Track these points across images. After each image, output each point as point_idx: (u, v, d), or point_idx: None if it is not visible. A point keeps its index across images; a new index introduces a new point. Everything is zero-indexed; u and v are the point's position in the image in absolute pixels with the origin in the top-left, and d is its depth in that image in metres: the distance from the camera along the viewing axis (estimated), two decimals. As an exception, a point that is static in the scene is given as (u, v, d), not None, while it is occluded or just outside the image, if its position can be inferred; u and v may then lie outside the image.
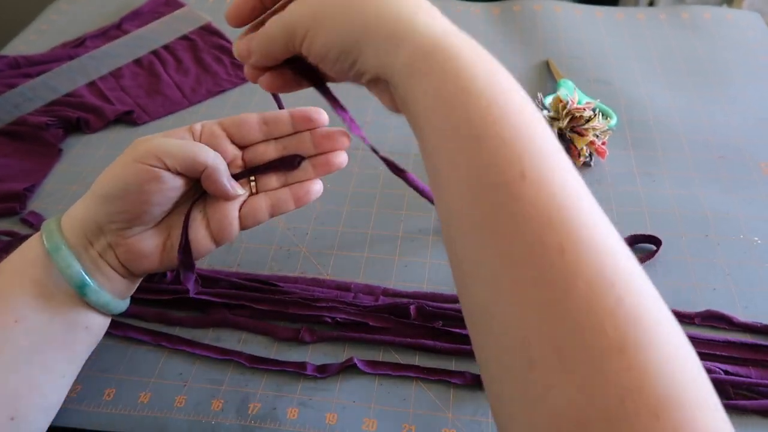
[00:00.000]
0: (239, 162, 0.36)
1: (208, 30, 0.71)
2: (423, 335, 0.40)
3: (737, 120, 0.57)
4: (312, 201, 0.37)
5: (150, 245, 0.34)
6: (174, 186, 0.32)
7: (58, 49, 0.69)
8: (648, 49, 0.67)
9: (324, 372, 0.39)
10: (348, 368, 0.39)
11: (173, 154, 0.31)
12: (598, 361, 0.19)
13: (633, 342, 0.19)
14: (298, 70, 0.32)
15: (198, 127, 0.35)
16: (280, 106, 0.37)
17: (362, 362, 0.39)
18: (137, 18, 0.73)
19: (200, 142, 0.34)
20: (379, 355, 0.40)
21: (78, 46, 0.69)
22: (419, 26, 0.25)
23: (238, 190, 0.35)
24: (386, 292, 0.43)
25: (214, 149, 0.34)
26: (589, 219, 0.21)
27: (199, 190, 0.35)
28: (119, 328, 0.41)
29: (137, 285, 0.37)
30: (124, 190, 0.31)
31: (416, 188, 0.39)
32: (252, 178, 0.36)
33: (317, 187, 0.37)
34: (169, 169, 0.32)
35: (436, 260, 0.46)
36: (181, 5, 0.75)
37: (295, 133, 0.36)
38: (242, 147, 0.36)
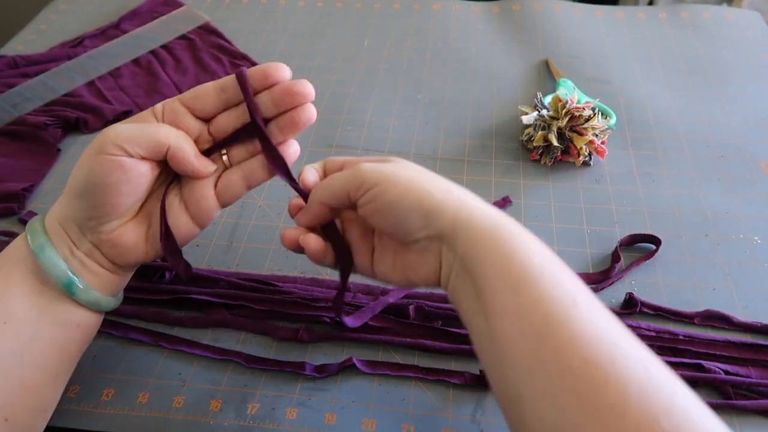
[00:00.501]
0: (206, 136, 0.34)
1: (206, 29, 0.71)
2: (422, 335, 0.40)
3: (737, 119, 0.57)
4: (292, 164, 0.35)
5: (133, 237, 0.33)
6: (141, 172, 0.31)
7: (57, 49, 0.68)
8: (648, 48, 0.67)
9: (323, 372, 0.38)
10: (347, 368, 0.39)
11: (133, 139, 0.30)
12: None
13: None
14: (331, 237, 0.34)
15: (159, 107, 0.33)
16: (293, 182, 0.35)
17: (361, 362, 0.39)
18: (136, 18, 0.73)
19: (163, 121, 0.33)
20: (378, 355, 0.40)
21: (76, 45, 0.69)
22: (480, 208, 0.30)
23: (209, 166, 0.33)
24: (385, 292, 0.43)
25: (177, 126, 0.32)
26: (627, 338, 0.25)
27: (171, 174, 0.34)
28: (118, 329, 0.41)
29: (129, 278, 0.36)
30: (92, 184, 0.30)
31: None
32: (223, 151, 0.34)
33: (292, 149, 0.34)
34: (132, 156, 0.31)
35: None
36: (179, 5, 0.75)
37: (256, 94, 0.33)
38: (207, 120, 0.34)
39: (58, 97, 0.61)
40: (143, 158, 0.31)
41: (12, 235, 0.47)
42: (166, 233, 0.33)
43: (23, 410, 0.31)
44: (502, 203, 0.49)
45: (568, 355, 0.24)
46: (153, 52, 0.67)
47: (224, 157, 0.34)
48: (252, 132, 0.33)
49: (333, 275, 0.44)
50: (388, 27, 0.72)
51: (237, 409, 0.37)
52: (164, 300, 0.42)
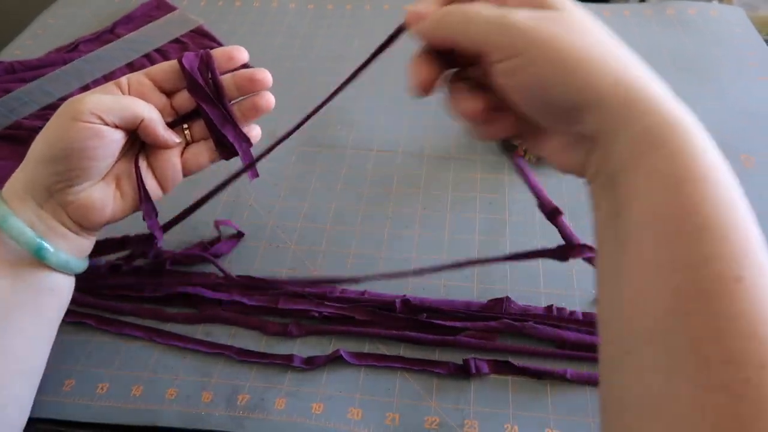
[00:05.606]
0: (169, 110, 0.37)
1: (199, 33, 0.72)
2: (407, 327, 0.41)
3: (720, 114, 0.58)
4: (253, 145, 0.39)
5: (100, 198, 0.35)
6: (114, 139, 0.34)
7: (53, 54, 0.70)
8: (634, 45, 0.67)
9: (311, 364, 0.40)
10: (335, 360, 0.40)
11: (111, 110, 0.33)
12: None
13: None
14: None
15: (124, 80, 0.36)
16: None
17: (348, 354, 0.40)
18: (130, 22, 0.75)
19: (129, 94, 0.35)
20: (365, 347, 0.41)
21: (72, 50, 0.70)
22: (655, 101, 0.24)
23: (175, 138, 0.37)
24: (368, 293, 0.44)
25: (145, 100, 0.35)
26: None
27: (139, 140, 0.37)
28: (114, 325, 0.42)
29: (94, 242, 0.38)
30: (68, 149, 0.32)
31: None
32: (185, 125, 0.38)
33: (254, 132, 0.39)
34: (107, 124, 0.33)
35: (426, 256, 0.47)
36: (172, 9, 0.76)
37: (222, 74, 0.37)
38: (169, 94, 0.37)
39: (54, 101, 0.62)
40: (117, 127, 0.34)
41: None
42: (146, 196, 0.36)
43: (7, 377, 0.33)
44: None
45: (714, 338, 0.19)
46: (147, 56, 0.68)
47: (186, 132, 0.38)
48: (212, 109, 0.37)
49: (322, 271, 0.46)
50: (377, 28, 0.73)
51: (228, 400, 0.38)
52: (159, 297, 0.44)
